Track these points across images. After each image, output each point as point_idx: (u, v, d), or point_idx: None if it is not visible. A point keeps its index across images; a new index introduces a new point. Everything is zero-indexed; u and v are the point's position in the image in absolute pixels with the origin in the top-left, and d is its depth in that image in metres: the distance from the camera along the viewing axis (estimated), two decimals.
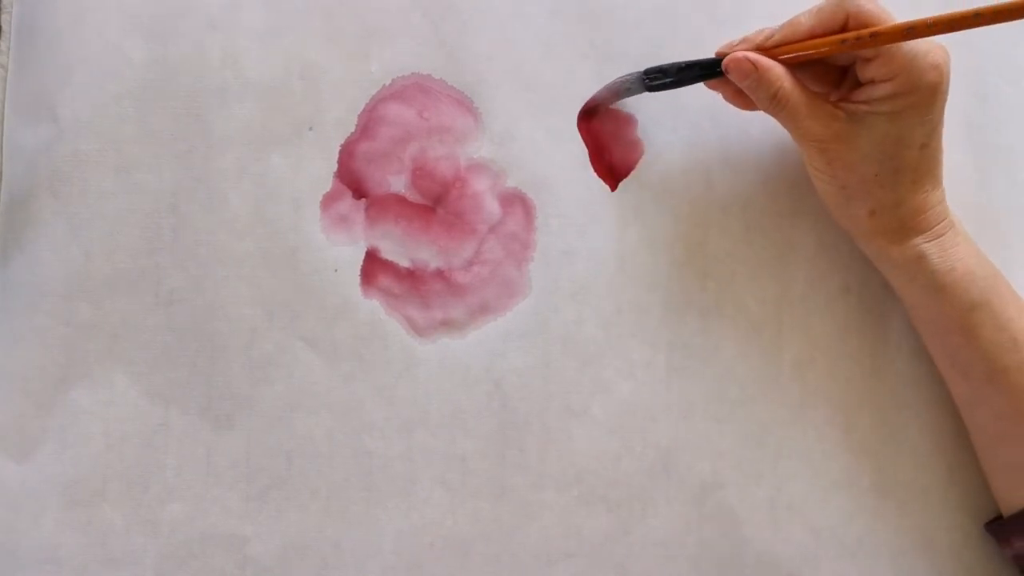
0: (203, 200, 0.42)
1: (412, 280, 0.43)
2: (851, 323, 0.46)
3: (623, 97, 0.44)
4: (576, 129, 0.44)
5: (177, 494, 0.41)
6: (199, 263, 0.42)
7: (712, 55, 0.42)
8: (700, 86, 0.42)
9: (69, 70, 0.41)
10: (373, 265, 0.43)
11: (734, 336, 0.45)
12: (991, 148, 0.47)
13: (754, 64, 0.40)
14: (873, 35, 0.38)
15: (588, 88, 0.45)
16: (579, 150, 0.44)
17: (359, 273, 0.43)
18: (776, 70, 0.40)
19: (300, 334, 0.42)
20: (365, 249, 0.43)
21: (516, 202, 0.44)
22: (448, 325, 0.43)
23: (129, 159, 0.41)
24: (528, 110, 0.44)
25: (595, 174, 0.45)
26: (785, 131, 0.42)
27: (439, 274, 0.43)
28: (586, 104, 0.44)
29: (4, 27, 0.42)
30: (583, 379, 0.44)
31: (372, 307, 0.43)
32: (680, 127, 0.45)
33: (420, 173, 0.43)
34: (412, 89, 0.43)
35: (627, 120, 0.45)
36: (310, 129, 0.43)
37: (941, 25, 0.36)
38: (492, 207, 0.44)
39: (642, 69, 0.43)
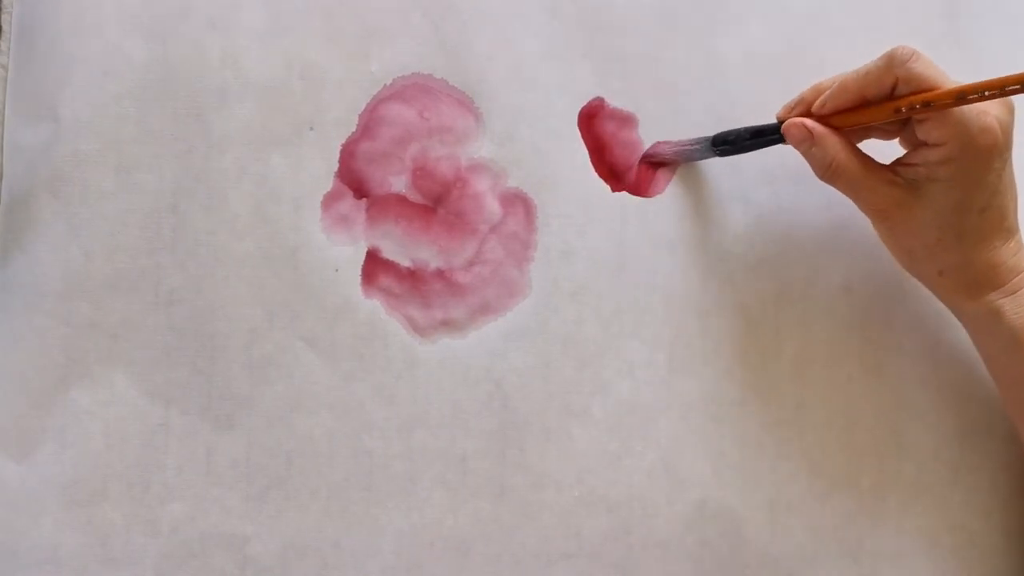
0: (203, 200, 0.42)
1: (413, 280, 0.43)
2: (852, 322, 0.46)
3: (690, 161, 0.45)
4: (577, 129, 0.44)
5: (177, 494, 0.41)
6: (199, 263, 0.42)
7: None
8: None
9: (69, 70, 0.41)
10: (374, 265, 0.43)
11: (734, 336, 0.45)
12: None
13: (810, 131, 0.40)
14: (925, 104, 0.37)
15: (588, 88, 0.45)
16: (580, 150, 0.44)
17: (360, 273, 0.43)
18: (830, 140, 0.40)
19: (300, 334, 0.42)
20: (366, 249, 0.43)
21: (517, 202, 0.44)
22: (448, 325, 0.43)
23: (129, 159, 0.41)
24: (529, 110, 0.44)
25: (595, 174, 0.45)
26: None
27: (440, 274, 0.43)
28: (647, 153, 0.45)
29: (4, 27, 0.42)
30: (583, 379, 0.44)
31: (372, 307, 0.43)
32: (681, 127, 0.45)
33: (421, 173, 0.43)
34: (413, 89, 0.43)
35: (627, 120, 0.45)
36: (311, 129, 0.43)
37: (993, 89, 0.35)
38: (493, 207, 0.44)
39: (710, 136, 0.43)
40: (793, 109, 0.42)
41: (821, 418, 0.46)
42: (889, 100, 0.39)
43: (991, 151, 0.38)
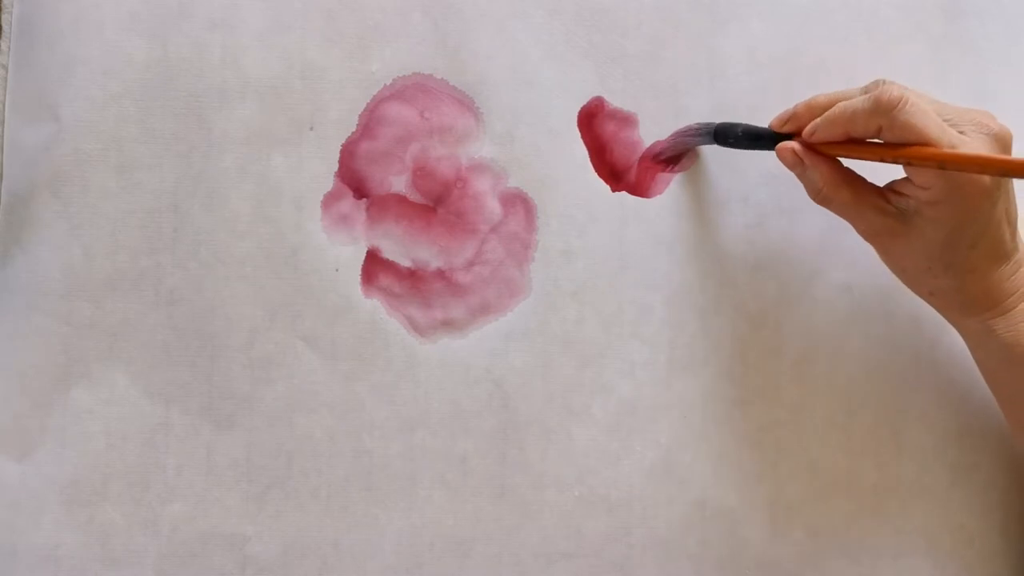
0: (204, 200, 0.42)
1: (413, 280, 0.43)
2: (852, 322, 0.46)
3: (690, 146, 0.45)
4: (577, 129, 0.44)
5: (177, 493, 0.41)
6: (200, 263, 0.42)
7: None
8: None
9: (69, 70, 0.41)
10: (374, 265, 0.43)
11: (734, 336, 0.45)
12: None
13: (800, 158, 0.40)
14: (908, 161, 0.37)
15: (588, 88, 0.45)
16: (580, 150, 0.44)
17: (360, 273, 0.43)
18: (820, 167, 0.40)
19: (301, 334, 0.42)
20: (366, 249, 0.43)
21: (517, 202, 0.44)
22: (449, 325, 0.43)
23: (130, 159, 0.41)
24: (529, 110, 0.44)
25: (595, 174, 0.45)
26: None
27: (440, 274, 0.43)
28: (656, 151, 0.45)
29: (4, 27, 0.42)
30: (583, 379, 0.44)
31: (373, 307, 0.43)
32: (681, 126, 0.45)
33: (421, 173, 0.43)
34: (413, 89, 0.43)
35: (627, 120, 0.45)
36: (311, 129, 0.43)
37: (971, 165, 0.35)
38: (493, 207, 0.44)
39: (712, 126, 0.43)
40: (786, 123, 0.41)
41: (821, 418, 0.46)
42: (875, 144, 0.39)
43: (979, 197, 0.37)
